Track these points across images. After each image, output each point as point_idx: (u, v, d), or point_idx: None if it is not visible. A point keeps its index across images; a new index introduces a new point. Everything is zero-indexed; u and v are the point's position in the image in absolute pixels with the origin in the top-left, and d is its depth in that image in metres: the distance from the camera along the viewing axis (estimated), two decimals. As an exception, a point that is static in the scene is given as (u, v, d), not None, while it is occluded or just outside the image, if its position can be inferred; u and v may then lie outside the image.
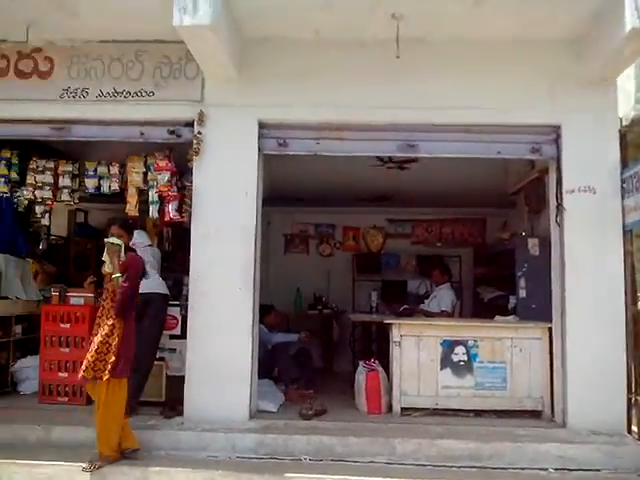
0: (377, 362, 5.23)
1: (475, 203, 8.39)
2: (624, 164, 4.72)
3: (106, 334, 3.92)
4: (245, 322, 4.70)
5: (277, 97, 4.82)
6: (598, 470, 4.07)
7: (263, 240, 7.51)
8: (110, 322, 3.96)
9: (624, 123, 5.21)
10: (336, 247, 9.16)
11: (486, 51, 4.76)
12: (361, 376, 5.11)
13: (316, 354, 7.19)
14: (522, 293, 5.73)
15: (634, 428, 4.53)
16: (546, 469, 4.09)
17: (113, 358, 3.86)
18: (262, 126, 4.87)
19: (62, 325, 5.15)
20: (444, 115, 4.76)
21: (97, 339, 3.91)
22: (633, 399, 4.51)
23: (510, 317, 5.55)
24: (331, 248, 9.14)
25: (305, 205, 8.71)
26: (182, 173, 5.13)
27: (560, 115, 4.76)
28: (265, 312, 5.69)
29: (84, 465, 3.84)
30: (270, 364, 5.50)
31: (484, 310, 6.82)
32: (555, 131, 4.81)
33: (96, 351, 3.87)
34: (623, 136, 4.85)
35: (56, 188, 5.42)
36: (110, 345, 3.90)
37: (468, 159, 5.05)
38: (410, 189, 7.97)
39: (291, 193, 8.23)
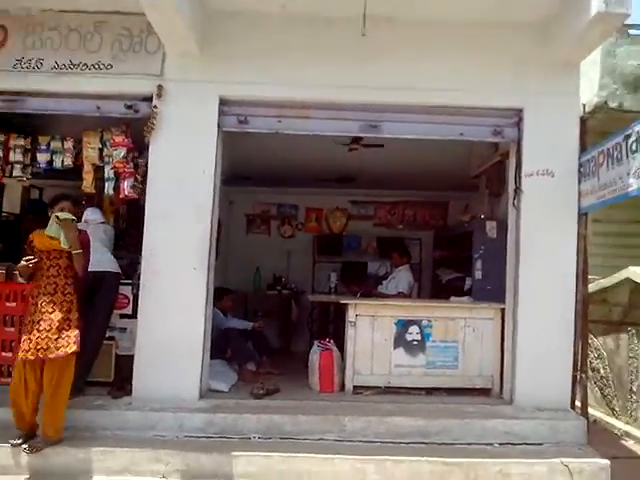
0: (332, 342, 5.28)
1: (438, 186, 8.48)
2: (583, 149, 4.79)
3: (66, 310, 3.93)
4: (198, 302, 4.67)
5: (240, 73, 4.76)
6: (541, 444, 4.23)
7: (225, 220, 7.49)
8: (69, 298, 3.98)
9: (587, 109, 5.32)
10: (298, 228, 9.18)
11: (453, 32, 4.75)
12: (315, 355, 5.16)
13: (273, 335, 7.24)
14: (478, 275, 5.88)
15: (577, 404, 4.71)
16: (491, 444, 4.22)
17: (77, 332, 3.90)
18: (223, 103, 4.80)
19: (8, 304, 5.02)
20: (408, 96, 4.76)
21: (56, 316, 3.87)
22: (578, 376, 4.67)
23: (465, 298, 5.67)
24: (293, 229, 9.16)
25: (268, 185, 8.69)
26: (141, 150, 5.04)
27: (523, 98, 4.81)
28: (220, 296, 5.67)
29: (25, 446, 3.80)
30: (223, 345, 5.49)
31: (442, 291, 6.96)
32: (517, 114, 4.86)
33: (57, 328, 3.83)
34: (584, 122, 4.92)
35: (6, 163, 5.23)
36: (71, 321, 3.93)
37: (433, 141, 5.06)
38: (374, 171, 7.99)
39: (255, 173, 8.19)
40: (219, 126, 4.81)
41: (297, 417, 4.31)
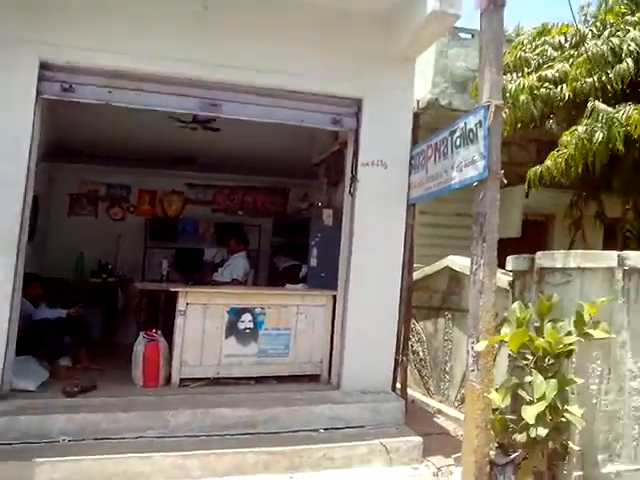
0: (159, 332, 5.05)
1: (280, 173, 8.58)
2: (414, 142, 5.07)
3: None
4: (2, 290, 4.16)
5: (67, 36, 4.30)
6: (363, 427, 4.45)
7: (44, 199, 6.78)
8: None
9: (420, 105, 5.67)
10: (129, 211, 8.69)
11: (298, 15, 4.74)
12: (139, 347, 4.89)
13: (96, 326, 6.76)
14: (313, 262, 6.02)
15: (398, 385, 5.06)
16: (317, 430, 4.35)
17: None
18: (45, 67, 4.30)
19: None
20: (250, 76, 4.66)
21: None
22: (400, 359, 5.01)
23: (299, 285, 5.79)
24: (123, 212, 8.65)
25: (97, 163, 8.10)
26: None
27: (362, 89, 4.95)
28: (25, 283, 5.11)
29: None
30: (34, 338, 4.97)
31: (279, 279, 7.04)
32: (357, 104, 4.99)
33: None
34: (417, 117, 5.24)
35: None
36: None
37: (277, 126, 5.03)
38: (215, 154, 7.84)
39: (82, 148, 7.57)
40: (38, 92, 4.32)
41: (115, 415, 4.05)
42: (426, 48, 5.17)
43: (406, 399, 4.92)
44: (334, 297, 5.16)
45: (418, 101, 5.72)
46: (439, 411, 5.61)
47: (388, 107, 4.98)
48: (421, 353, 6.24)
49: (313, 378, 5.14)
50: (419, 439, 4.32)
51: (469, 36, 7.69)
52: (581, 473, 3.79)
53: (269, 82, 4.75)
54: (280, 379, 5.05)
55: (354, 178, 5.02)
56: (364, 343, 4.82)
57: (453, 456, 4.16)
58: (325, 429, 4.37)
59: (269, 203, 9.04)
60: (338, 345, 4.99)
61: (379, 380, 4.83)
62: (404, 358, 5.05)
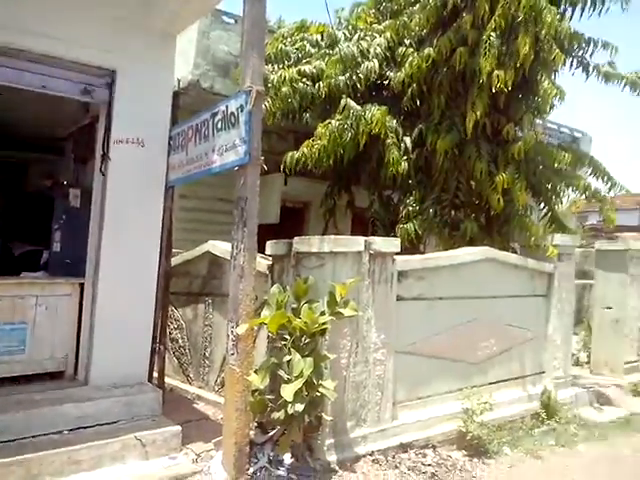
0: None
1: (17, 145, 7.63)
2: (174, 122, 4.96)
3: None
4: None
5: None
6: (116, 422, 4.21)
7: None
8: None
9: (181, 85, 5.52)
10: None
11: None
12: None
13: None
14: (57, 247, 5.52)
15: (155, 375, 4.93)
16: (61, 432, 3.97)
17: None
18: None
19: None
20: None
21: None
22: (157, 348, 4.88)
23: (39, 273, 5.24)
24: None
25: None
26: None
27: (117, 60, 4.64)
28: None
29: None
30: None
31: (13, 266, 6.26)
32: (110, 75, 4.68)
33: None
34: (177, 96, 5.10)
35: None
36: None
37: (13, 91, 4.44)
38: None
39: None
40: None
41: None
42: (187, 25, 5.10)
43: (164, 388, 4.83)
44: (82, 285, 4.76)
45: (179, 80, 5.58)
46: (199, 397, 5.62)
47: (146, 82, 4.77)
48: (180, 340, 6.17)
49: (57, 375, 4.69)
50: (177, 428, 4.25)
51: (232, 21, 7.79)
52: (333, 441, 4.17)
53: (5, 39, 4.15)
54: (15, 380, 4.49)
55: (106, 156, 4.71)
56: (117, 334, 4.57)
57: (213, 441, 4.19)
58: (70, 430, 4.01)
59: (0, 180, 7.92)
60: (86, 337, 4.64)
61: (134, 371, 4.63)
62: (161, 347, 4.94)
